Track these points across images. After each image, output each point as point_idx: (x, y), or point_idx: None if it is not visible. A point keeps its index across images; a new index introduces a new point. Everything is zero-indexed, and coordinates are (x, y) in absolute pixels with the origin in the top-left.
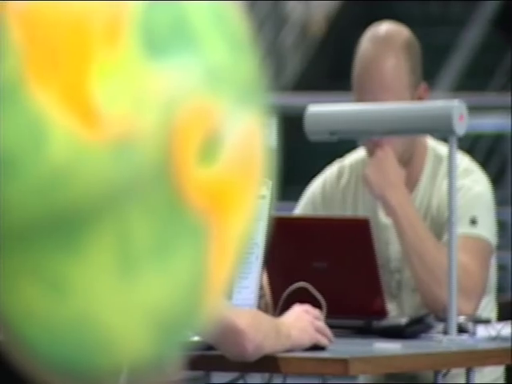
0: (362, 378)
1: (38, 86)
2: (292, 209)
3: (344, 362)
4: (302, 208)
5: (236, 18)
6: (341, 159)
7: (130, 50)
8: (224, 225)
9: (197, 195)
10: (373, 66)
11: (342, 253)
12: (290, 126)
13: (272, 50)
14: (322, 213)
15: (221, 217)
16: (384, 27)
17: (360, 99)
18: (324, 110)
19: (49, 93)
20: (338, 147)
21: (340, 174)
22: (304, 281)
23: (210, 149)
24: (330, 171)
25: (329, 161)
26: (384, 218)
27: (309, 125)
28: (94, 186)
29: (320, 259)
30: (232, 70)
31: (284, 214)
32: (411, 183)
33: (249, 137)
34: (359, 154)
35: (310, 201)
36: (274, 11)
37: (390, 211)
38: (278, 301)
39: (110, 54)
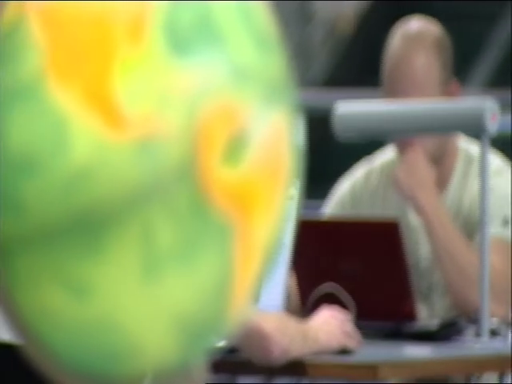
0: (392, 379)
1: (60, 84)
2: (317, 207)
3: (373, 367)
4: (331, 209)
5: (263, 16)
6: (369, 159)
7: (153, 48)
8: (250, 226)
9: (222, 196)
10: (404, 64)
11: (372, 255)
12: (317, 123)
13: (300, 48)
14: (350, 211)
15: (247, 218)
16: (414, 24)
17: (390, 96)
18: (353, 111)
19: (71, 92)
20: (365, 145)
21: (369, 176)
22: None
23: (235, 148)
24: (359, 172)
25: (355, 159)
26: (414, 220)
27: (338, 126)
28: (116, 187)
29: (350, 261)
30: (259, 69)
31: (310, 212)
32: (442, 183)
33: (276, 136)
34: (388, 154)
35: (339, 200)
36: (301, 8)
37: (421, 212)
38: (305, 302)
39: (134, 52)
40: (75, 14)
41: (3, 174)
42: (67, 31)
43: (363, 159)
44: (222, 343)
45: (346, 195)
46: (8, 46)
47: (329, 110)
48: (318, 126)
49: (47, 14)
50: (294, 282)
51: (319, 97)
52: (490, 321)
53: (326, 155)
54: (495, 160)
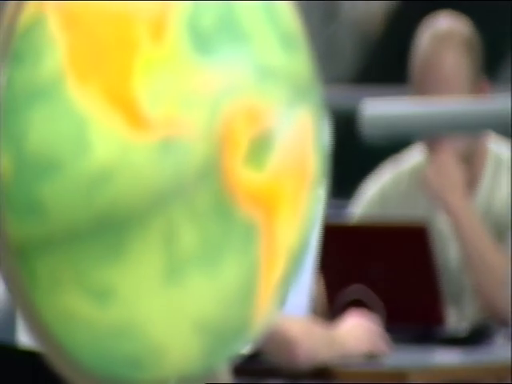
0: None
1: (80, 84)
2: (343, 206)
3: (402, 373)
4: (359, 211)
5: (288, 15)
6: (397, 161)
7: (176, 48)
8: (275, 227)
9: (246, 197)
10: (433, 62)
11: (400, 259)
12: (343, 122)
13: (327, 46)
14: (378, 214)
15: (271, 219)
16: (443, 22)
17: (419, 94)
18: (381, 111)
19: (92, 92)
20: (391, 144)
21: (398, 180)
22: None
23: (260, 149)
24: (388, 175)
25: (381, 158)
26: (443, 222)
27: (365, 127)
28: (139, 188)
29: (378, 266)
30: (284, 68)
31: (334, 212)
32: (471, 184)
33: (301, 136)
34: (417, 157)
35: (367, 203)
36: (328, 6)
37: (450, 213)
38: (333, 306)
39: (156, 51)
40: (96, 13)
41: (23, 175)
42: (87, 30)
43: (390, 158)
44: (247, 347)
45: (374, 198)
46: (26, 45)
47: (355, 109)
48: (344, 124)
49: (67, 13)
50: (321, 286)
51: (345, 95)
52: None
53: (352, 154)
54: None
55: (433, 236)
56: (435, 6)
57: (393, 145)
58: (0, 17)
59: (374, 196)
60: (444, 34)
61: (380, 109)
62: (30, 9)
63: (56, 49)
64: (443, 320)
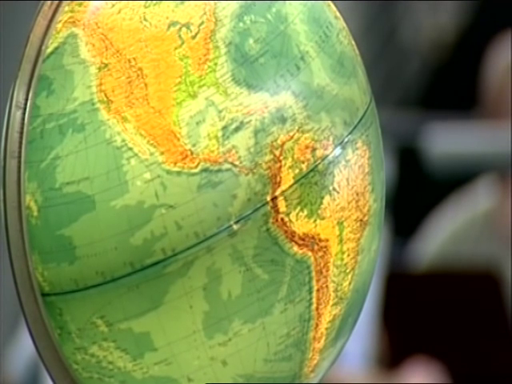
0: None
1: (114, 114)
2: (404, 243)
3: None
4: (429, 253)
5: (344, 40)
6: (464, 198)
7: (219, 74)
8: (328, 271)
9: (296, 235)
10: (508, 89)
11: (469, 309)
12: (406, 151)
13: (389, 71)
14: (449, 258)
15: (324, 262)
16: None
17: (492, 118)
18: (451, 149)
19: (128, 122)
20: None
21: (471, 226)
22: (427, 337)
23: (310, 183)
24: (461, 219)
25: (445, 190)
26: None
27: (433, 165)
28: (178, 227)
29: (444, 314)
30: (337, 95)
31: (396, 249)
32: None
33: (357, 168)
34: (489, 199)
35: (439, 245)
36: (393, 35)
37: None
38: (396, 358)
39: (197, 77)
40: (133, 34)
41: (50, 213)
42: (123, 53)
43: (454, 193)
44: None
45: (445, 241)
46: (54, 68)
47: (419, 137)
48: (406, 154)
49: (102, 32)
50: (384, 334)
51: (408, 121)
52: None
53: (414, 187)
54: None
55: (505, 283)
56: (501, 30)
57: (457, 178)
58: (18, 32)
59: (444, 239)
60: None
61: (449, 144)
62: (61, 25)
63: (88, 73)
64: None
